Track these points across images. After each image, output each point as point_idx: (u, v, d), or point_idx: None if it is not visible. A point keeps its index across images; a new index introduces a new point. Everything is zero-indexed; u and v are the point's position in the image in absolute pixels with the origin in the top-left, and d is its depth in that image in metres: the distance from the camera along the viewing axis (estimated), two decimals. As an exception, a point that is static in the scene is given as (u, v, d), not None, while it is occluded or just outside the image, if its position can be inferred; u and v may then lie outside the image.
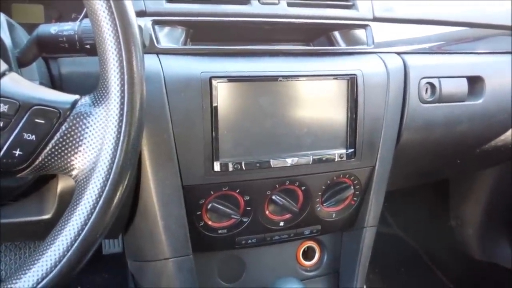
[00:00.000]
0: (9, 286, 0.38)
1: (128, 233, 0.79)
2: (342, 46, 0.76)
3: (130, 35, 0.41)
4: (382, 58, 0.77)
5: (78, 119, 0.42)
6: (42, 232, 0.70)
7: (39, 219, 0.66)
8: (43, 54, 0.51)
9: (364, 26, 0.77)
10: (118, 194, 0.41)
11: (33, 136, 0.40)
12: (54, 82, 0.60)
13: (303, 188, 0.74)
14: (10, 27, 0.52)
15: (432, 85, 0.80)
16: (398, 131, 0.79)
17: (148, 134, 0.63)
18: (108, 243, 1.21)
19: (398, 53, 0.79)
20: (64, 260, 0.39)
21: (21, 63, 0.49)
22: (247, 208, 0.72)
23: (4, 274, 1.10)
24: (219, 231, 0.73)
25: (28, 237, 0.86)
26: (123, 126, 0.41)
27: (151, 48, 0.64)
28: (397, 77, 0.77)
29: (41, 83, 0.54)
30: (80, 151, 0.41)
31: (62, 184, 0.64)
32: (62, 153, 0.41)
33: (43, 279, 0.38)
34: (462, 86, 0.83)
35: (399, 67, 0.78)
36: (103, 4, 0.41)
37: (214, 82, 0.63)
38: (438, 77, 0.81)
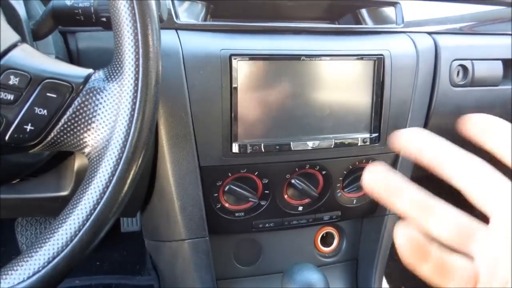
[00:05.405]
0: (20, 263, 0.38)
1: (145, 213, 0.78)
2: (370, 24, 0.73)
3: (146, 7, 0.39)
4: (412, 38, 0.73)
5: (91, 94, 0.40)
6: (60, 208, 0.70)
7: (57, 195, 0.66)
8: (59, 27, 0.50)
9: (393, 4, 0.74)
10: (131, 173, 0.40)
11: (45, 111, 0.39)
12: (72, 56, 0.59)
13: (323, 172, 0.71)
14: (26, -2, 0.50)
15: (464, 68, 0.76)
16: (426, 115, 0.75)
17: (165, 113, 0.61)
18: (126, 221, 1.22)
19: (429, 33, 0.75)
20: (76, 239, 0.38)
21: (36, 35, 0.48)
22: (265, 192, 0.70)
23: (25, 247, 1.12)
24: (236, 214, 0.71)
25: (46, 213, 0.87)
26: (137, 102, 0.39)
27: (170, 24, 0.62)
28: (427, 58, 0.73)
29: (57, 57, 0.53)
30: (93, 127, 0.40)
31: (79, 162, 0.63)
32: (75, 129, 0.40)
33: (54, 258, 0.37)
34: (496, 69, 0.79)
35: (430, 48, 0.74)
36: None
37: (234, 60, 0.61)
38: (471, 59, 0.76)
